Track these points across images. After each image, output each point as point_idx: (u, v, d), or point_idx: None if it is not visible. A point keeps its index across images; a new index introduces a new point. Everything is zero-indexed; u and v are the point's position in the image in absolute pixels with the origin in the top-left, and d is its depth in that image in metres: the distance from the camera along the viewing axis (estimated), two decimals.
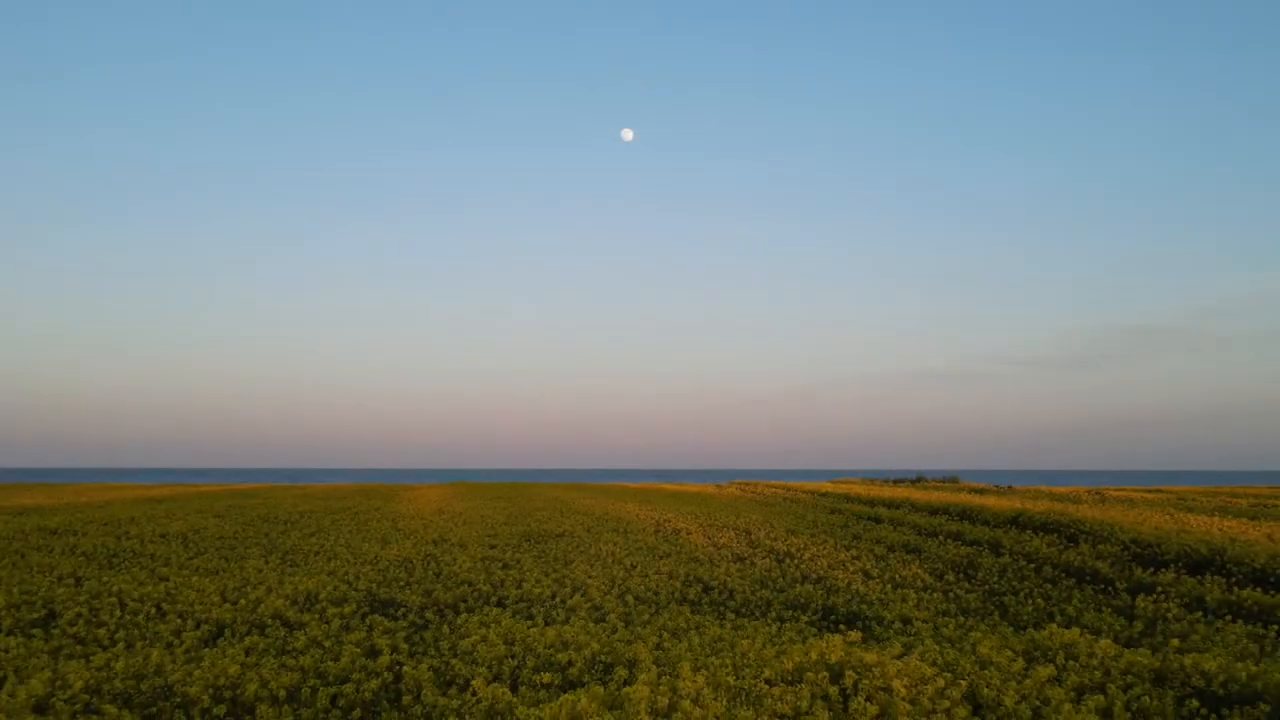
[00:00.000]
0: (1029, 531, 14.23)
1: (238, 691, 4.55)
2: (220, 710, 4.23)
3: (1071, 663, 5.06)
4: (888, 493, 24.31)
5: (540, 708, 3.51)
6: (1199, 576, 9.79)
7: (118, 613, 6.92)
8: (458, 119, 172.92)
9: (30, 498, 26.80)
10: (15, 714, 4.16)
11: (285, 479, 74.20)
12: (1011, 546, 12.73)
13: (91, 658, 5.43)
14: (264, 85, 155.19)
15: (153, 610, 7.11)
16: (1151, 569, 10.65)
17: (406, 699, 4.49)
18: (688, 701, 3.33)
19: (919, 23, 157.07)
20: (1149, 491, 32.55)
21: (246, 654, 5.60)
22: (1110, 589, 9.59)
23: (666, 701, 3.34)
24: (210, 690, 4.47)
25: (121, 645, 5.72)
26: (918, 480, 43.68)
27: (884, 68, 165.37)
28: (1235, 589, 8.72)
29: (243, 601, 7.50)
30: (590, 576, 9.26)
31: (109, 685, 4.59)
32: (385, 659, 4.85)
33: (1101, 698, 4.43)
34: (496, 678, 4.73)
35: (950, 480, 40.92)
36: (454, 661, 4.98)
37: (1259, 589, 8.90)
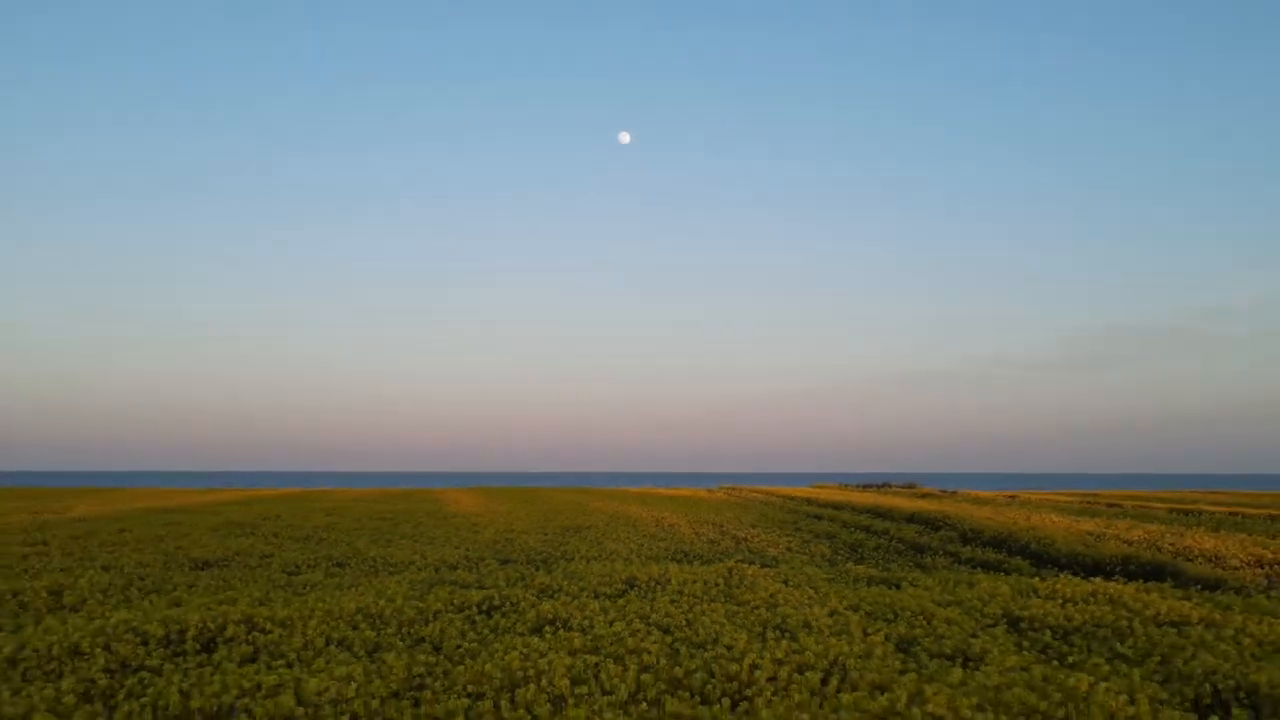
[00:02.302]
0: (915, 524, 20.55)
1: (487, 579, 10.81)
2: (486, 585, 10.49)
3: (844, 575, 11.35)
4: (839, 496, 30.63)
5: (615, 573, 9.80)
6: (988, 548, 16.11)
7: (379, 560, 13.20)
8: (456, 122, 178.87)
9: (154, 500, 32.92)
10: (394, 591, 10.36)
11: (277, 483, 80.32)
12: (894, 534, 19.01)
13: (391, 576, 11.62)
14: (262, 84, 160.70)
15: (393, 561, 13.36)
16: (968, 545, 16.96)
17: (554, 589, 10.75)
18: (670, 574, 9.63)
19: (918, 25, 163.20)
20: (1070, 495, 38.86)
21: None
22: (926, 554, 15.89)
23: (663, 572, 9.62)
24: (473, 579, 10.74)
25: (396, 575, 11.93)
26: (883, 486, 50.01)
27: (884, 71, 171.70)
28: (991, 553, 15.06)
29: (430, 558, 13.75)
30: (618, 548, 15.53)
31: (426, 580, 10.83)
32: (548, 566, 11.15)
33: (842, 586, 10.68)
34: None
35: (908, 486, 47.29)
36: (569, 572, 11.24)
37: (1006, 553, 15.23)
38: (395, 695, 4.98)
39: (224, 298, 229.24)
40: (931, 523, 20.22)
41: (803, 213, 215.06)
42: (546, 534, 18.99)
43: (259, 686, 5.00)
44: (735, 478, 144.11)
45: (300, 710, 4.53)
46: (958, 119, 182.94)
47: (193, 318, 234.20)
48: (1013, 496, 33.58)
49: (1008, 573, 13.32)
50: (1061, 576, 10.50)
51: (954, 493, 39.38)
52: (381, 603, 7.84)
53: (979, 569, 13.69)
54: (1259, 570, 14.60)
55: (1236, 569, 14.49)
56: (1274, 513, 24.98)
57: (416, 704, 4.80)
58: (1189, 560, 14.71)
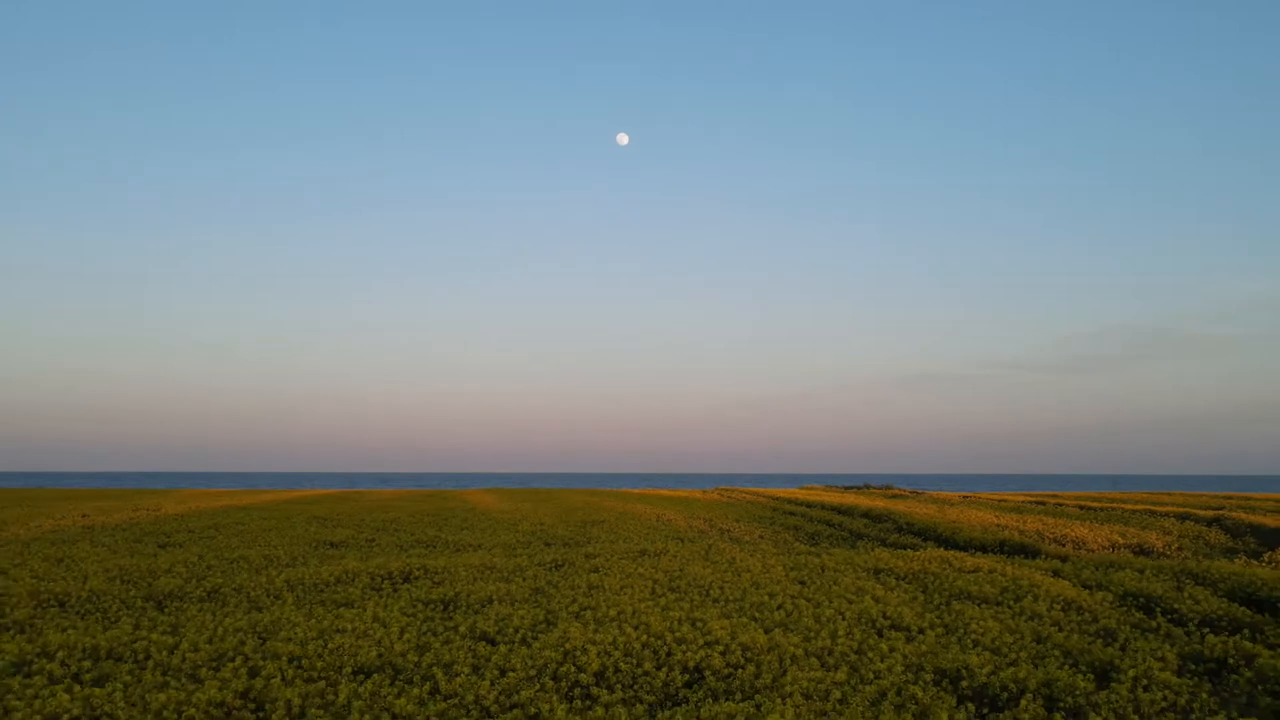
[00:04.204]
0: (865, 518, 25.52)
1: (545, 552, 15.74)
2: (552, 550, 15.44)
3: (789, 549, 16.25)
4: (814, 497, 35.60)
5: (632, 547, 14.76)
6: (912, 535, 21.05)
7: (458, 543, 18.13)
8: (457, 119, 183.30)
9: (218, 500, 37.76)
10: (490, 556, 15.30)
11: (272, 483, 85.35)
12: (847, 526, 23.97)
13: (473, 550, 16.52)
14: (259, 82, 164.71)
15: (469, 543, 18.27)
16: (898, 533, 21.90)
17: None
18: (669, 548, 14.58)
19: (918, 27, 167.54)
20: (1026, 496, 43.91)
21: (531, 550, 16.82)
22: (863, 539, 20.83)
23: (664, 547, 14.54)
24: (535, 552, 15.69)
25: (478, 551, 16.84)
26: (862, 487, 54.98)
27: (885, 72, 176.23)
28: (912, 538, 20.02)
29: (494, 541, 18.66)
30: (629, 535, 20.46)
31: (503, 553, 15.76)
32: (583, 546, 16.11)
33: (783, 555, 15.60)
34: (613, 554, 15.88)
35: (884, 487, 52.28)
36: (600, 548, 16.19)
37: (923, 539, 20.19)
38: (532, 594, 9.93)
39: (216, 300, 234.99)
40: (878, 517, 25.20)
41: (803, 215, 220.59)
42: (571, 526, 23.90)
43: (462, 590, 9.94)
44: (732, 479, 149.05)
45: (493, 595, 9.49)
46: (952, 123, 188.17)
47: (173, 320, 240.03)
48: (965, 496, 38.60)
49: (913, 549, 18.23)
50: (929, 548, 15.45)
51: (919, 493, 44.36)
52: (490, 560, 12.81)
53: (897, 549, 18.62)
54: (1109, 550, 19.60)
55: (1092, 550, 19.49)
56: (1177, 510, 29.89)
57: (547, 595, 9.75)
58: (1060, 544, 19.70)
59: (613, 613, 7.57)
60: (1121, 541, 20.20)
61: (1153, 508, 31.11)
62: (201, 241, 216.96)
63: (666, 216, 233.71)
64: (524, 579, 11.03)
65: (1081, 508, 29.69)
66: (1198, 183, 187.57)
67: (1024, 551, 18.07)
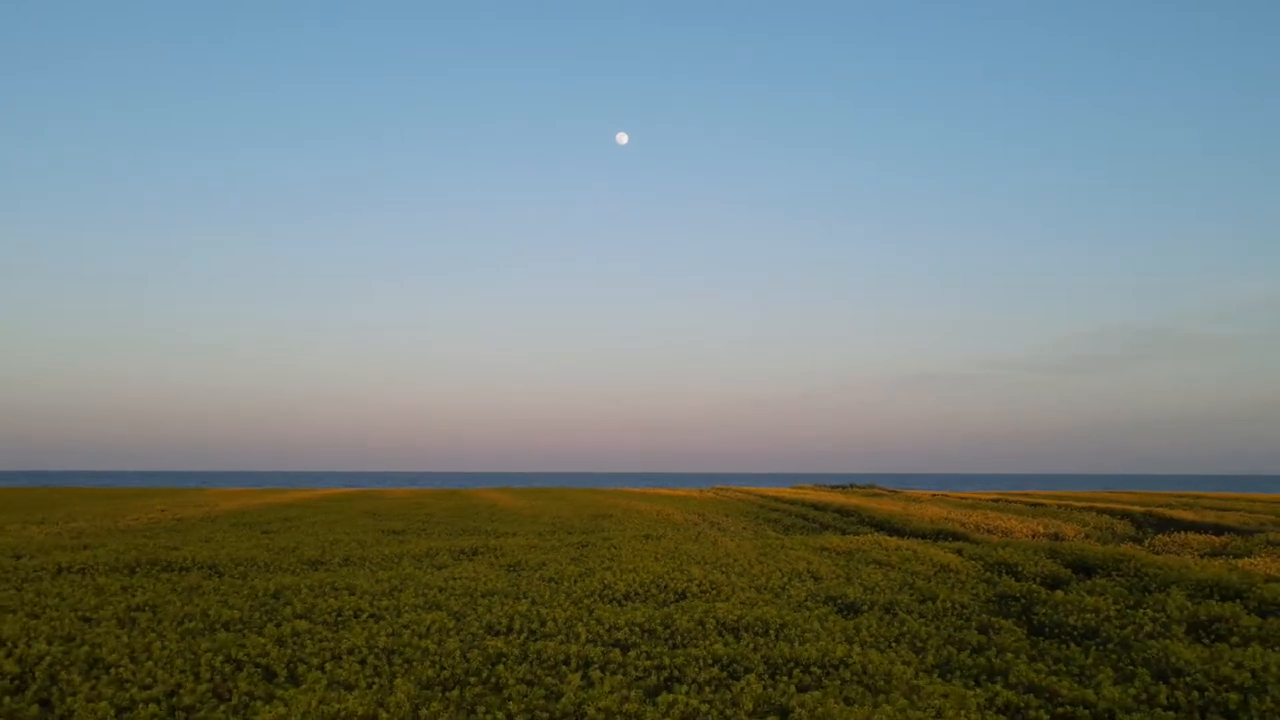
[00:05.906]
0: (835, 513, 29.72)
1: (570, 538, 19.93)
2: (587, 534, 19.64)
3: (762, 535, 20.43)
4: (798, 495, 39.83)
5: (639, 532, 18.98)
6: (871, 527, 25.25)
7: (495, 530, 22.33)
8: (457, 119, 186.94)
9: (264, 498, 41.87)
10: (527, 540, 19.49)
11: (283, 482, 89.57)
12: (819, 519, 28.16)
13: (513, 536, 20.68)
14: (259, 80, 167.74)
15: (503, 531, 22.46)
16: (861, 524, 26.08)
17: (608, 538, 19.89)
18: (667, 533, 18.78)
19: (918, 27, 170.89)
20: (989, 493, 48.16)
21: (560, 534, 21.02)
22: (828, 530, 25.02)
23: (664, 533, 18.72)
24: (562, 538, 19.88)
25: (514, 537, 21.01)
26: (848, 486, 59.24)
27: (880, 76, 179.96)
28: (869, 529, 24.22)
29: (525, 530, 22.81)
30: (635, 525, 24.63)
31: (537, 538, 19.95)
32: (598, 533, 20.34)
33: (756, 540, 19.76)
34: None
35: (868, 486, 56.58)
36: (612, 534, 20.36)
37: (878, 529, 24.39)
38: (571, 560, 14.10)
39: (215, 300, 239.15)
40: (847, 513, 29.43)
41: (803, 215, 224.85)
42: (584, 519, 28.08)
43: (521, 559, 14.11)
44: (731, 478, 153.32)
45: (545, 561, 13.68)
46: (953, 123, 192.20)
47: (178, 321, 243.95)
48: (934, 495, 42.87)
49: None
50: (879, 535, 19.66)
51: (896, 492, 48.61)
52: (530, 542, 17.01)
53: (851, 536, 22.78)
54: (1030, 539, 23.78)
55: (1017, 538, 23.66)
56: (1111, 507, 34.09)
57: (583, 560, 13.92)
58: (990, 533, 23.91)
59: (629, 567, 11.76)
60: (1042, 531, 24.41)
61: (1093, 504, 35.35)
62: (201, 241, 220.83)
63: (666, 216, 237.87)
64: (562, 553, 15.22)
65: (1030, 504, 33.90)
66: (1198, 183, 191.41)
67: (955, 538, 22.25)
